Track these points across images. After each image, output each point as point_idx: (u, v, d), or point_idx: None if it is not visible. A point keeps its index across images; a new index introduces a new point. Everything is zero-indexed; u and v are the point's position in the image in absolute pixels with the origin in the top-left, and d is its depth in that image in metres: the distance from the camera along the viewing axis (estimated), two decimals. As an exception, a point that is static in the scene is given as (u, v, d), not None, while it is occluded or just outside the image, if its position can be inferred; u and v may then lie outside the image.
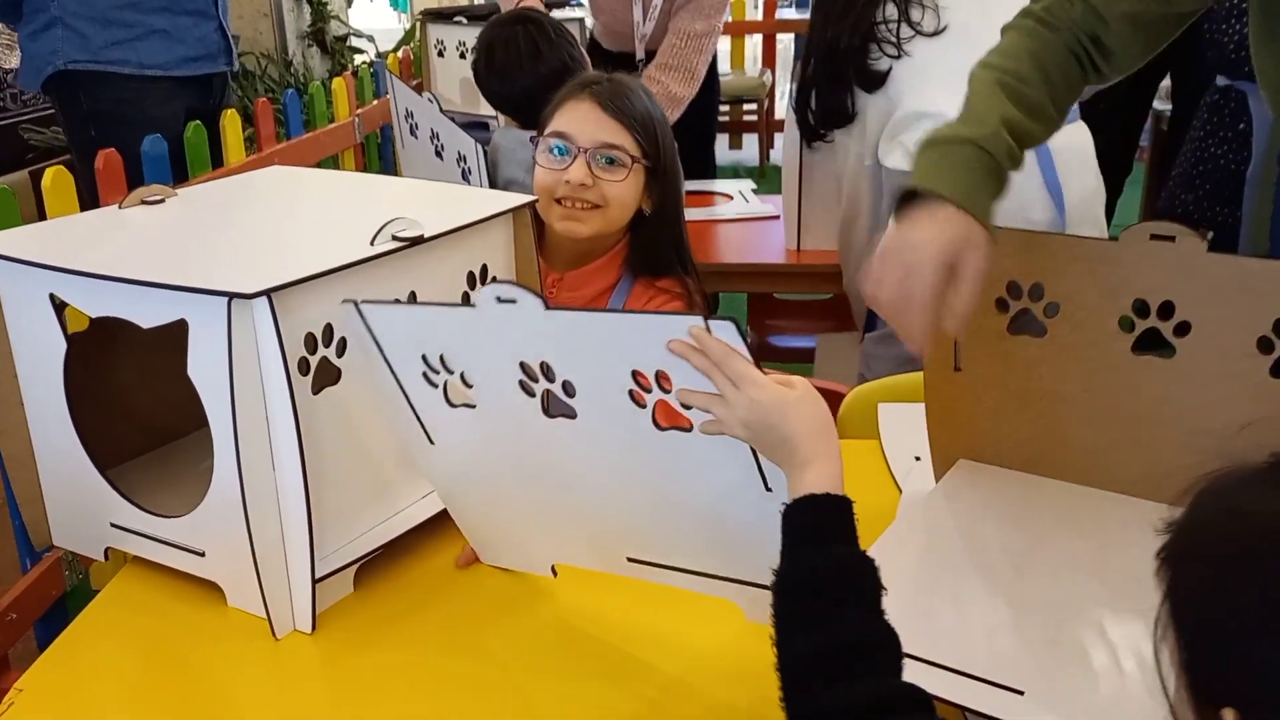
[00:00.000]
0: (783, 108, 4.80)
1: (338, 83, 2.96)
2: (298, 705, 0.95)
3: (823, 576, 0.74)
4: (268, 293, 0.90)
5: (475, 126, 3.31)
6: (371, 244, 1.01)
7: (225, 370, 0.91)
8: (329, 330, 0.98)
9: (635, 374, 0.85)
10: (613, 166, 1.36)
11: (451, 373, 0.94)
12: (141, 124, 2.15)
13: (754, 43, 5.15)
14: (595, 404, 0.89)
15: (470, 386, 0.94)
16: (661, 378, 0.84)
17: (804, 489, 0.77)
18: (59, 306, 1.04)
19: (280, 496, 0.97)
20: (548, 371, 0.89)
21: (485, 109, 3.26)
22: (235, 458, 0.94)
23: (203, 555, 1.04)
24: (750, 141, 5.16)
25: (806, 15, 2.78)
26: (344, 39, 4.67)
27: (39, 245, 1.05)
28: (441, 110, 2.23)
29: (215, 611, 1.04)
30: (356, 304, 0.94)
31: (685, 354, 0.82)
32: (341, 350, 0.99)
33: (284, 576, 0.99)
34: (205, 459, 1.25)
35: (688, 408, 0.85)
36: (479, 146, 2.02)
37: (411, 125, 2.35)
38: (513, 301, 0.86)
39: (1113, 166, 2.71)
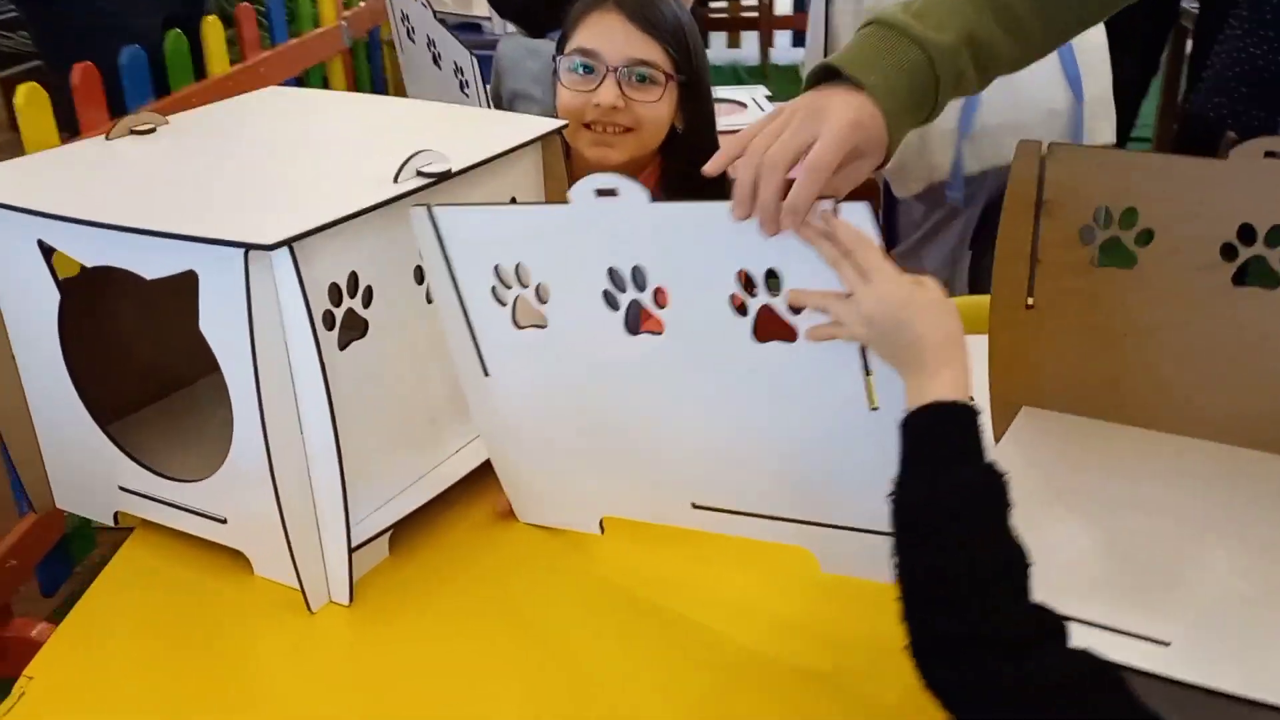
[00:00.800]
0: (784, 3, 4.62)
1: (321, -17, 2.80)
2: (336, 684, 0.87)
3: (952, 493, 0.68)
4: (288, 243, 0.80)
5: (466, 29, 3.15)
6: (395, 181, 0.91)
7: (244, 327, 0.82)
8: (354, 279, 0.88)
9: (741, 275, 0.79)
10: (645, 85, 1.24)
11: (525, 286, 0.87)
12: (119, 34, 2.01)
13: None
14: (688, 314, 0.83)
15: (544, 302, 0.87)
16: (770, 280, 0.77)
17: (931, 396, 0.71)
18: (47, 252, 0.94)
19: (310, 461, 0.88)
20: (639, 278, 0.82)
21: (479, 9, 3.10)
22: (259, 421, 0.85)
23: (224, 522, 0.95)
24: (749, 40, 4.97)
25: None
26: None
27: (23, 187, 0.95)
28: (435, 15, 2.10)
29: (240, 581, 0.96)
30: (429, 208, 0.86)
31: (812, 240, 0.75)
32: (368, 300, 0.90)
33: (317, 545, 0.91)
34: (217, 409, 1.16)
35: (797, 312, 0.78)
36: (474, 59, 1.90)
37: (409, 29, 2.21)
38: (613, 194, 0.79)
39: (1136, 75, 2.60)
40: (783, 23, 4.86)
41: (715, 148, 1.34)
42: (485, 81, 1.87)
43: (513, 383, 0.93)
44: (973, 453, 0.69)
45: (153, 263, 0.87)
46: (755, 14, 4.86)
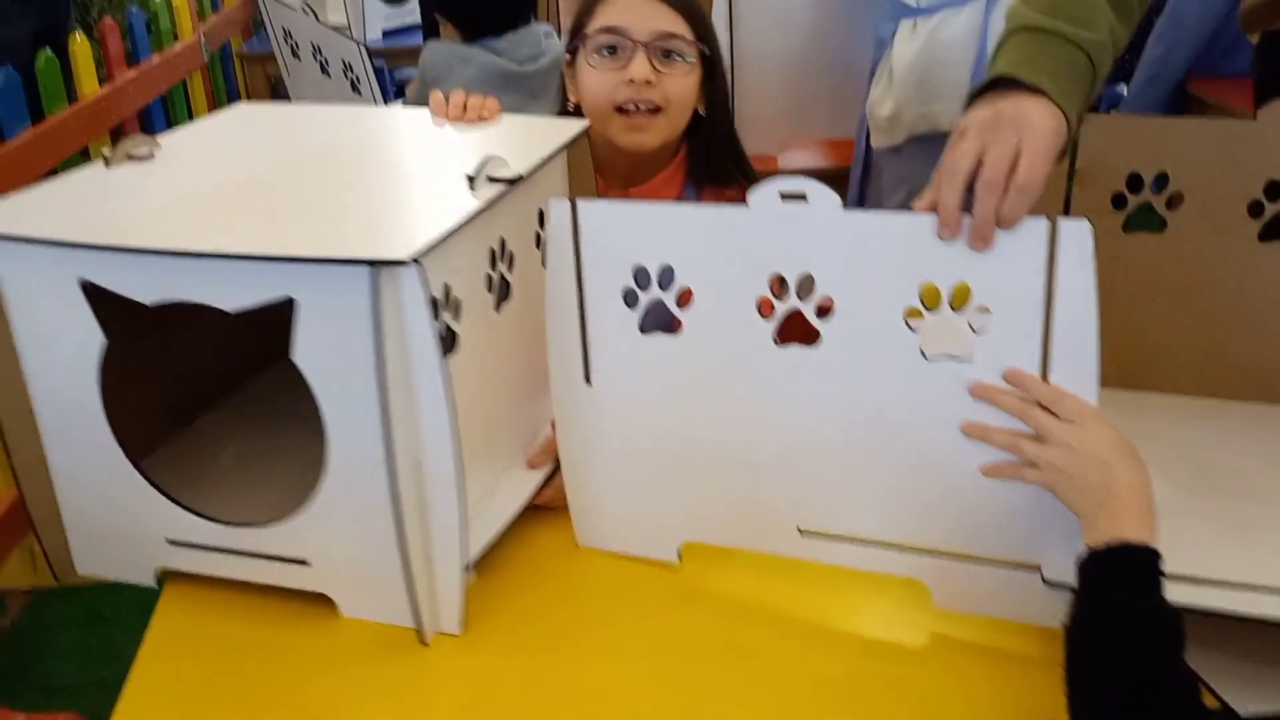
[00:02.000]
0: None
1: (177, -2, 2.64)
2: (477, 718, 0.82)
3: (1140, 640, 0.70)
4: (417, 258, 0.75)
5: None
6: (471, 189, 0.87)
7: (366, 351, 0.77)
8: (447, 291, 0.84)
9: (922, 290, 0.78)
10: (672, 60, 1.21)
11: (665, 289, 0.84)
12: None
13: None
14: (852, 326, 0.81)
15: (682, 306, 0.85)
16: (958, 294, 0.77)
17: (1116, 532, 0.73)
18: (88, 291, 0.85)
19: (428, 484, 0.83)
20: (804, 288, 0.80)
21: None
22: (383, 448, 0.80)
23: (306, 564, 0.89)
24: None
25: None
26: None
27: (51, 221, 0.86)
28: (317, 19, 2.03)
29: (318, 629, 0.90)
30: (574, 201, 0.84)
31: (993, 396, 0.78)
32: (457, 312, 0.86)
33: (426, 574, 0.86)
34: (226, 444, 1.08)
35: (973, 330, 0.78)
36: (363, 48, 1.85)
37: (292, 46, 2.12)
38: (801, 198, 0.77)
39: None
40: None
41: (732, 131, 1.33)
42: (379, 75, 1.84)
43: (618, 392, 0.90)
44: (1157, 597, 0.71)
45: (238, 292, 0.80)
46: None
